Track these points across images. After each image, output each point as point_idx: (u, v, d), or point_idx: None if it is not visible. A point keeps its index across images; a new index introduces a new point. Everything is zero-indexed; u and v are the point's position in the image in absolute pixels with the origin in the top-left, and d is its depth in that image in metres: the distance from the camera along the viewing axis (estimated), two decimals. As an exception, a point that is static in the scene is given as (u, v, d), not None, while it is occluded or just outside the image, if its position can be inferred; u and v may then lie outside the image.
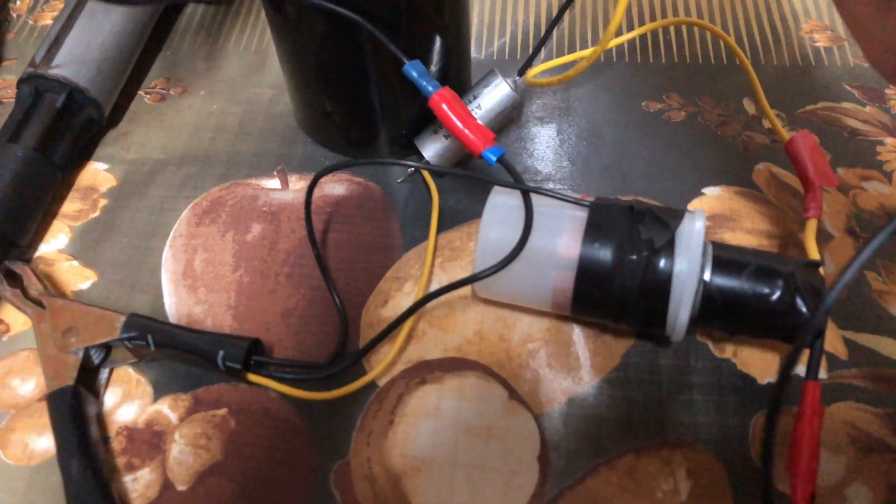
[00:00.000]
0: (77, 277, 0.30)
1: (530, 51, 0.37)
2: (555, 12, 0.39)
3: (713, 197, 0.31)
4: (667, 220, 0.25)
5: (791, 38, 0.37)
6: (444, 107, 0.27)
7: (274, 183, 0.33)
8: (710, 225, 0.30)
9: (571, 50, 0.37)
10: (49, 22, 0.39)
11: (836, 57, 0.36)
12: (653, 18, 0.37)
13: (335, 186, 0.33)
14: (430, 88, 0.27)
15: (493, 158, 0.26)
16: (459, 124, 0.27)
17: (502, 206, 0.26)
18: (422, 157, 0.32)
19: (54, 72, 0.32)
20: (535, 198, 0.26)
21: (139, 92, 0.36)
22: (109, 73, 0.33)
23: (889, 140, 0.33)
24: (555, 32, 0.38)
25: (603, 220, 0.25)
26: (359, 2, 0.27)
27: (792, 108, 0.34)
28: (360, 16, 0.27)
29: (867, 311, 0.28)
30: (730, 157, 0.33)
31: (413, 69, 0.27)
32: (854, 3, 0.20)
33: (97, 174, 0.33)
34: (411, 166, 0.28)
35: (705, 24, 0.32)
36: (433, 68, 0.31)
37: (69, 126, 0.32)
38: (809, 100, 0.35)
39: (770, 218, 0.30)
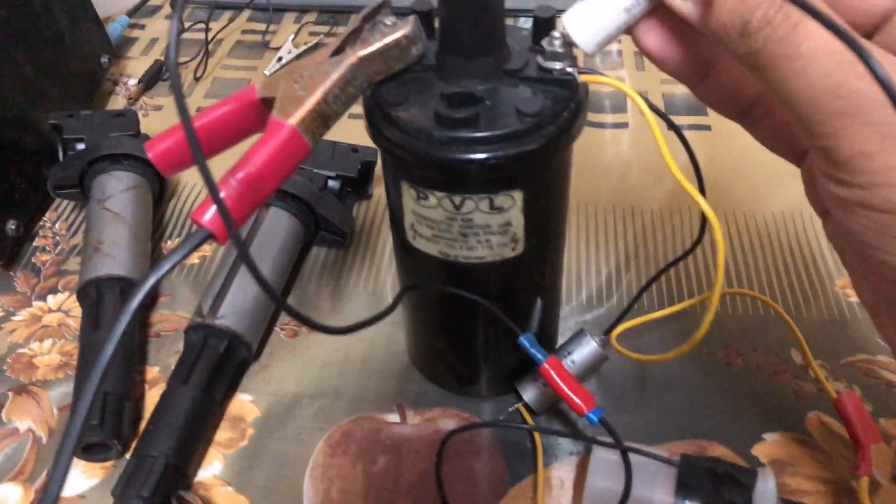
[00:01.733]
0: (232, 503, 0.35)
1: (603, 295, 0.44)
2: (623, 261, 0.46)
3: (772, 443, 0.37)
4: (744, 482, 0.30)
5: (827, 294, 0.44)
6: (552, 373, 0.33)
7: (394, 417, 0.38)
8: (772, 471, 0.35)
9: (651, 307, 0.43)
10: (195, 262, 0.47)
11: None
12: (709, 288, 0.44)
13: (446, 421, 0.38)
14: (540, 357, 0.34)
15: (595, 419, 0.32)
16: (566, 389, 0.33)
17: (604, 461, 0.32)
18: (519, 396, 0.38)
19: (219, 322, 0.38)
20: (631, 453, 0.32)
21: (275, 328, 0.43)
22: (259, 319, 0.40)
23: (921, 393, 0.38)
24: (624, 289, 0.44)
25: (691, 480, 0.31)
26: (479, 285, 0.33)
27: (835, 359, 0.40)
28: (481, 296, 0.33)
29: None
30: (784, 405, 0.38)
31: (525, 340, 0.34)
32: None
33: (244, 405, 0.39)
34: (529, 428, 0.34)
35: (755, 295, 0.39)
36: (534, 324, 0.37)
37: (227, 367, 0.38)
38: (849, 352, 0.40)
39: (824, 465, 0.35)
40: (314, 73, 0.28)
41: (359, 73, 0.28)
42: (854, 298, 0.43)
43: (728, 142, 0.54)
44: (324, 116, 0.27)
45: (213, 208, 0.24)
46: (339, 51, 0.29)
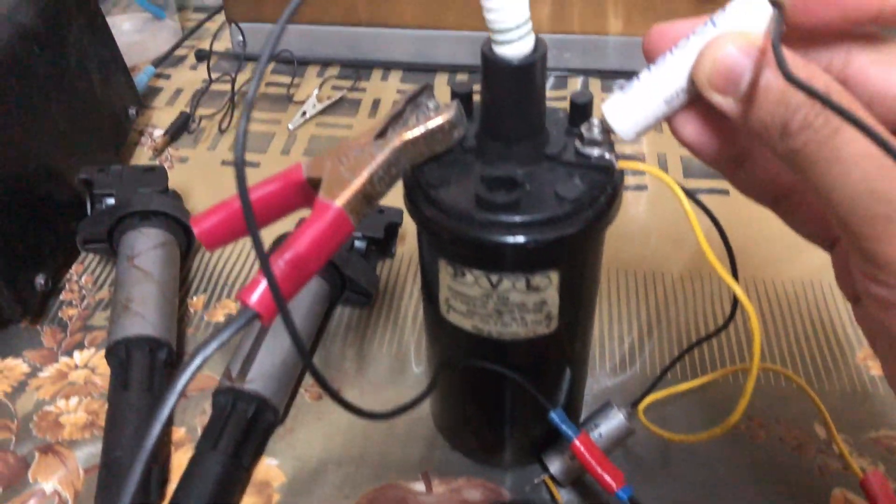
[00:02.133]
0: (258, 572, 0.35)
1: (626, 362, 0.44)
2: (645, 327, 0.46)
3: (800, 521, 0.37)
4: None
5: (849, 365, 0.44)
6: (583, 450, 0.33)
7: (420, 486, 0.38)
8: (800, 549, 0.35)
9: (674, 377, 0.43)
10: (220, 319, 0.47)
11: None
12: (732, 361, 0.44)
13: (471, 492, 0.38)
14: (571, 434, 0.34)
15: (625, 497, 0.32)
16: (597, 467, 0.33)
17: (634, 540, 0.32)
18: (545, 466, 0.38)
19: (249, 387, 0.39)
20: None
21: (300, 389, 0.43)
22: (286, 383, 0.41)
23: (946, 471, 0.38)
24: (647, 356, 0.45)
25: (722, 563, 0.31)
26: (510, 359, 0.34)
27: (858, 434, 0.40)
28: (511, 369, 0.34)
29: None
30: (808, 480, 0.38)
31: (556, 416, 0.34)
32: None
33: (269, 469, 0.39)
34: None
35: (778, 369, 0.40)
36: (562, 396, 0.37)
37: (255, 431, 0.39)
38: (872, 426, 0.40)
39: (852, 545, 0.35)
40: (359, 155, 0.28)
41: (402, 155, 0.29)
42: (875, 372, 0.43)
43: (746, 207, 0.53)
44: (368, 197, 0.28)
45: (260, 289, 0.25)
46: (382, 133, 0.29)
